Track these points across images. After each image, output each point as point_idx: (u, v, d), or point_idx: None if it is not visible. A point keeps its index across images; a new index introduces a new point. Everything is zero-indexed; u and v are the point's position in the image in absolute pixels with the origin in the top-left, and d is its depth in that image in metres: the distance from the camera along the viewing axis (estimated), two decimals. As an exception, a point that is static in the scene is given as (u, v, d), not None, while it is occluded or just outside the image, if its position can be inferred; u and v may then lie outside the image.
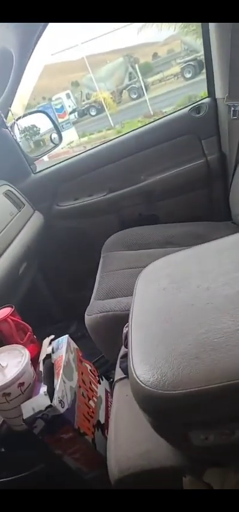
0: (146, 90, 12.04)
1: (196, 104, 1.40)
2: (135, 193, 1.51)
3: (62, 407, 0.77)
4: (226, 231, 1.27)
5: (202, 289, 0.64)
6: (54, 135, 1.75)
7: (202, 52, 1.33)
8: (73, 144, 11.00)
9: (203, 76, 1.42)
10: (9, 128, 1.51)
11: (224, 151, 1.39)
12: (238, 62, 1.17)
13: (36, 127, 2.19)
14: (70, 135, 11.66)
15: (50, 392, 0.78)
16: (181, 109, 1.45)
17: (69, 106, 13.58)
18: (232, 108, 1.23)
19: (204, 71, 1.38)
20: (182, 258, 0.80)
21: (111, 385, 1.00)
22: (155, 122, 1.50)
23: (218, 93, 1.33)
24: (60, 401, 0.77)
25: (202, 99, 1.41)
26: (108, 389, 1.04)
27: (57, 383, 0.80)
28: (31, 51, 1.24)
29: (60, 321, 1.80)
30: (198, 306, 0.61)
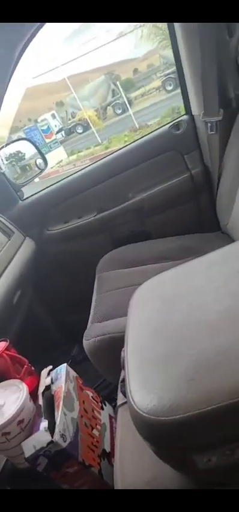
0: (130, 105, 12.25)
1: (175, 121, 1.44)
2: (124, 211, 1.53)
3: (64, 442, 0.76)
4: (216, 241, 1.28)
5: (193, 307, 0.64)
6: (40, 161, 1.77)
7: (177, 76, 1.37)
8: (62, 162, 11.09)
9: None
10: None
11: (206, 163, 1.42)
12: (210, 80, 1.20)
13: (21, 152, 2.20)
14: (59, 154, 11.76)
15: (51, 427, 0.77)
16: (160, 127, 1.48)
17: (55, 126, 13.74)
18: (209, 124, 1.26)
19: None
20: (173, 276, 0.80)
21: (115, 409, 0.99)
22: (137, 141, 1.52)
23: (195, 110, 1.35)
24: (62, 436, 0.76)
25: (180, 117, 1.44)
26: (113, 414, 1.03)
27: (58, 416, 0.79)
28: (10, 74, 1.24)
29: (61, 345, 1.79)
30: (190, 325, 0.61)
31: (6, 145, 1.62)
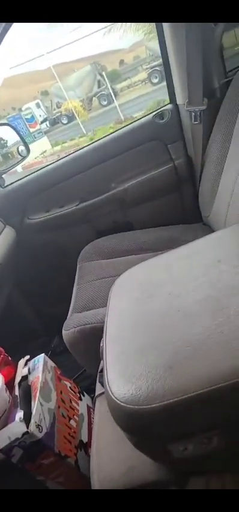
0: (116, 96, 12.15)
1: (159, 110, 1.41)
2: (107, 201, 1.51)
3: (40, 432, 0.74)
4: (198, 232, 1.28)
5: (173, 296, 0.64)
6: (22, 148, 1.72)
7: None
8: (46, 153, 10.91)
9: None
10: None
11: (190, 155, 1.41)
12: (195, 69, 1.20)
13: (4, 139, 2.13)
14: (43, 144, 11.56)
15: (27, 417, 0.75)
16: (145, 116, 1.46)
17: (40, 115, 13.48)
18: (193, 114, 1.26)
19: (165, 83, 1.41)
20: (153, 266, 0.79)
21: (93, 399, 0.98)
22: (121, 130, 1.49)
23: (179, 99, 1.34)
24: (38, 426, 0.74)
25: (164, 106, 1.42)
26: (91, 405, 1.02)
27: (34, 406, 0.78)
28: None
29: (41, 336, 1.77)
30: (170, 314, 0.60)
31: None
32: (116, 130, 1.52)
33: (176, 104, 1.38)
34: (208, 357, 0.50)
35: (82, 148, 1.54)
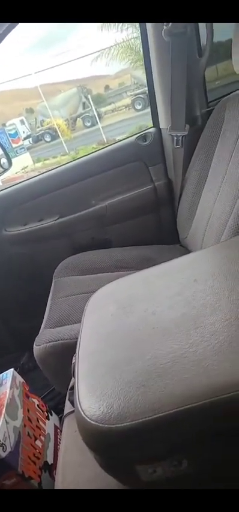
0: (100, 119, 12.43)
1: (142, 132, 1.45)
2: (86, 217, 1.50)
3: (4, 451, 0.70)
4: (174, 253, 1.30)
5: (148, 313, 0.63)
6: (4, 160, 1.70)
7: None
8: (28, 169, 10.88)
9: None
10: None
11: (170, 177, 1.45)
12: (178, 96, 1.24)
13: (-15, 151, 2.10)
14: (24, 160, 11.54)
15: (-10, 436, 0.71)
16: (128, 137, 1.49)
17: (23, 132, 13.51)
18: (175, 138, 1.30)
19: (149, 107, 1.45)
20: (129, 283, 0.79)
21: (61, 419, 0.94)
22: (104, 149, 1.52)
23: (162, 124, 1.38)
24: (2, 445, 0.70)
25: (147, 129, 1.46)
26: (58, 425, 0.98)
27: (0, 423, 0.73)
28: None
29: (10, 352, 1.70)
30: (145, 330, 0.59)
31: None
32: (99, 149, 1.54)
33: (159, 128, 1.42)
34: (181, 376, 0.49)
35: (65, 164, 1.55)
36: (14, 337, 1.69)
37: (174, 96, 1.25)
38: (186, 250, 1.33)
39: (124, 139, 1.51)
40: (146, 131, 1.45)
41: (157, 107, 1.38)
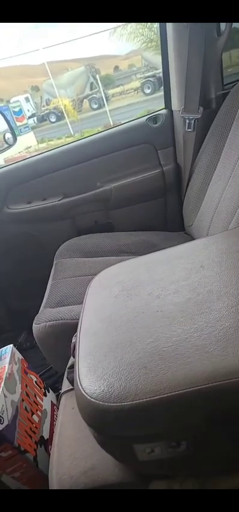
0: (107, 101, 12.18)
1: (153, 114, 1.42)
2: (90, 199, 1.48)
3: (1, 424, 0.70)
4: (179, 241, 1.29)
5: (152, 297, 0.63)
6: (8, 135, 1.67)
7: (161, 69, 1.37)
8: (31, 149, 10.75)
9: (161, 93, 1.45)
10: None
11: (179, 162, 1.42)
12: (194, 77, 1.21)
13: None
14: (28, 139, 11.39)
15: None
16: (138, 118, 1.46)
17: (28, 110, 13.30)
18: (187, 121, 1.27)
19: (162, 87, 1.41)
20: (134, 266, 0.78)
21: (58, 396, 0.95)
22: (112, 129, 1.49)
23: (175, 105, 1.35)
24: (-1, 417, 0.70)
25: (159, 110, 1.42)
26: (55, 402, 0.99)
27: (-3, 397, 0.74)
28: None
29: (8, 331, 1.70)
30: (148, 314, 0.59)
31: None
32: (107, 129, 1.50)
33: (171, 110, 1.39)
34: (184, 360, 0.49)
35: (71, 143, 1.52)
36: (11, 316, 1.69)
37: (189, 77, 1.22)
38: (191, 238, 1.31)
39: (133, 120, 1.47)
40: (157, 113, 1.41)
41: (170, 88, 1.34)
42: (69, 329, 0.94)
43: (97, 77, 12.81)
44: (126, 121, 1.47)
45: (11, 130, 1.65)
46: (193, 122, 1.26)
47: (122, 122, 1.48)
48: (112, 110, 11.55)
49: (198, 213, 1.22)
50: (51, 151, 1.54)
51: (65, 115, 11.99)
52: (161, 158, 1.43)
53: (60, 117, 12.82)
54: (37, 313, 1.08)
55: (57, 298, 1.12)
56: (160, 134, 1.41)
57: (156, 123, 1.41)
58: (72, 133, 10.87)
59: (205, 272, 0.63)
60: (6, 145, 1.66)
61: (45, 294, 1.18)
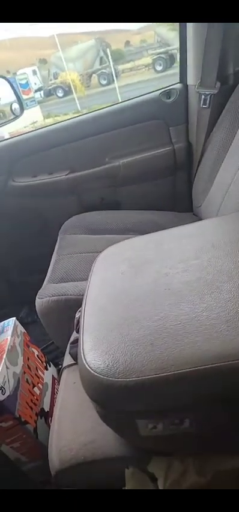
0: (117, 77, 11.88)
1: (167, 88, 1.36)
2: (98, 175, 1.45)
3: (3, 394, 0.70)
4: (186, 221, 1.26)
5: (160, 274, 0.61)
6: (16, 106, 1.62)
7: (175, 46, 1.31)
8: (37, 124, 10.59)
9: (173, 70, 1.39)
10: None
11: (191, 141, 1.38)
12: (212, 50, 1.15)
13: (-5, 96, 2.01)
14: (34, 114, 11.21)
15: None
16: (151, 92, 1.41)
17: (35, 83, 13.04)
18: (203, 96, 1.22)
19: (175, 65, 1.36)
20: (141, 243, 0.77)
21: (59, 371, 0.95)
22: (123, 103, 1.43)
23: (190, 80, 1.30)
24: (1, 388, 0.70)
25: (173, 84, 1.37)
26: (56, 376, 0.99)
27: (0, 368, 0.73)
28: None
29: (8, 305, 1.69)
30: (156, 291, 0.58)
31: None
32: (118, 103, 1.45)
33: (186, 85, 1.33)
34: (192, 338, 0.47)
35: (79, 116, 1.48)
36: (13, 290, 1.68)
37: (207, 50, 1.16)
38: (199, 220, 1.29)
39: (146, 93, 1.41)
40: (171, 87, 1.36)
41: (186, 60, 1.28)
42: (73, 305, 0.93)
43: (107, 51, 12.42)
44: (138, 95, 1.41)
45: (19, 100, 1.60)
46: (208, 97, 1.21)
47: (135, 96, 1.42)
48: (121, 86, 11.29)
49: (208, 194, 1.19)
50: (59, 124, 1.50)
51: (73, 90, 11.74)
52: (172, 135, 1.38)
53: (67, 92, 12.57)
54: (39, 288, 1.07)
55: (61, 273, 1.11)
56: (173, 110, 1.36)
57: (170, 98, 1.35)
58: (79, 109, 10.68)
59: (215, 252, 0.61)
60: (12, 116, 1.62)
61: (49, 269, 1.17)
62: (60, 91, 13.09)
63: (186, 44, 1.25)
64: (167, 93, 1.35)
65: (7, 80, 1.61)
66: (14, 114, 1.61)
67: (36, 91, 12.89)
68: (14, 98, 1.63)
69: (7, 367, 0.76)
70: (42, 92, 13.47)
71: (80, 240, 1.28)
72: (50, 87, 13.43)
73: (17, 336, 0.87)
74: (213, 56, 1.16)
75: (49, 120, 10.69)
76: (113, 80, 11.45)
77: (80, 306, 0.67)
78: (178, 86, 1.35)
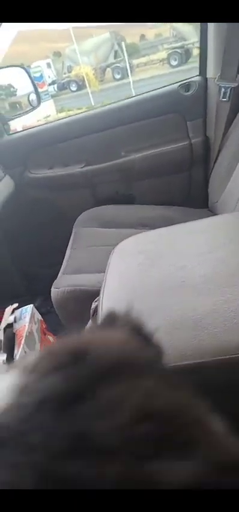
0: (131, 71, 11.78)
1: (186, 80, 1.35)
2: (113, 169, 1.46)
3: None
4: (201, 218, 1.26)
5: (177, 267, 0.62)
6: (33, 97, 1.64)
7: (191, 40, 1.30)
8: (50, 118, 10.61)
9: (189, 65, 1.38)
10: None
11: (208, 135, 1.37)
12: (234, 41, 1.14)
13: (13, 87, 2.03)
14: (47, 107, 11.23)
15: (10, 362, 0.73)
16: (169, 85, 1.40)
17: (49, 76, 13.03)
18: (223, 89, 1.21)
19: (190, 60, 1.35)
20: (158, 236, 0.78)
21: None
22: (140, 96, 1.44)
23: (210, 72, 1.29)
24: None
25: (192, 77, 1.36)
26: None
27: (18, 353, 0.76)
28: None
29: (22, 296, 1.72)
30: (173, 283, 0.59)
31: (0, 68, 1.48)
32: (135, 96, 1.45)
33: (206, 78, 1.32)
34: (212, 330, 0.48)
35: (96, 109, 1.48)
36: (27, 281, 1.70)
37: (229, 42, 1.15)
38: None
39: (164, 86, 1.41)
40: (190, 80, 1.35)
41: (207, 53, 1.27)
42: (88, 296, 0.95)
43: (122, 44, 12.31)
44: (156, 88, 1.41)
45: (36, 91, 1.62)
46: (228, 90, 1.20)
47: (153, 89, 1.41)
48: (136, 81, 11.19)
49: (225, 189, 1.19)
50: (76, 116, 1.51)
51: (87, 84, 11.71)
52: (190, 129, 1.38)
53: (81, 86, 12.53)
54: (53, 279, 1.09)
55: (76, 265, 1.12)
56: (191, 103, 1.35)
57: (188, 90, 1.35)
58: (92, 103, 10.65)
59: (233, 246, 0.61)
60: (29, 108, 1.64)
61: (64, 260, 1.19)
62: (73, 85, 13.06)
63: (207, 36, 1.24)
64: (186, 86, 1.34)
65: (26, 70, 1.63)
66: (31, 105, 1.63)
67: (49, 84, 12.89)
68: (30, 89, 1.64)
69: (25, 352, 0.78)
70: (55, 86, 13.47)
71: (94, 233, 1.30)
72: (63, 81, 13.41)
73: (34, 323, 0.89)
74: (234, 48, 1.15)
75: (62, 115, 10.70)
76: (127, 75, 11.36)
77: (95, 297, 0.68)
78: (197, 78, 1.34)
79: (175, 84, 1.36)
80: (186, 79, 1.36)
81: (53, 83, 13.34)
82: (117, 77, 12.46)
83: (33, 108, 1.61)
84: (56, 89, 13.40)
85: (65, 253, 1.23)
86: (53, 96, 12.42)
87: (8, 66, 1.57)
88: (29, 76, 1.56)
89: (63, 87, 13.48)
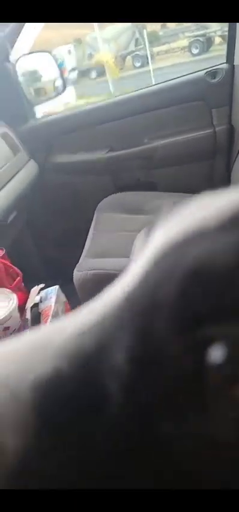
0: (151, 59, 11.57)
1: (213, 68, 1.34)
2: (136, 155, 1.47)
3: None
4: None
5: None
6: (59, 83, 1.65)
7: (213, 28, 1.28)
8: (70, 105, 10.59)
9: (210, 54, 1.37)
10: (13, 63, 1.40)
11: (233, 124, 1.35)
12: None
13: (38, 73, 2.05)
14: (68, 94, 11.19)
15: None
16: (196, 72, 1.38)
17: (69, 63, 12.98)
18: None
19: (211, 48, 1.33)
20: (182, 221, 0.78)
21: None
22: (165, 83, 1.43)
23: (238, 60, 1.27)
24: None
25: (219, 64, 1.34)
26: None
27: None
28: None
29: (43, 280, 1.75)
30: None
31: (29, 53, 1.50)
32: (159, 83, 1.44)
33: (233, 65, 1.30)
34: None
35: (120, 96, 1.49)
36: (48, 264, 1.74)
37: None
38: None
39: (190, 73, 1.40)
40: (217, 67, 1.33)
41: (235, 39, 1.25)
42: (111, 280, 0.96)
43: (144, 32, 12.08)
44: (182, 75, 1.39)
45: (62, 77, 1.63)
46: None
47: (178, 76, 1.40)
48: (156, 69, 10.96)
49: None
50: (99, 103, 1.52)
51: (107, 72, 11.60)
52: (214, 117, 1.36)
53: (101, 73, 12.43)
54: (74, 263, 1.11)
55: (98, 249, 1.14)
56: (217, 91, 1.33)
57: (215, 78, 1.33)
58: (112, 91, 10.56)
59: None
60: (54, 94, 1.65)
61: (86, 244, 1.21)
62: (93, 72, 12.96)
63: (235, 23, 1.22)
64: (213, 73, 1.33)
65: (52, 55, 1.64)
66: (56, 91, 1.64)
67: (70, 71, 12.85)
68: (54, 75, 1.65)
69: (51, 332, 0.81)
70: (76, 72, 13.41)
71: (115, 219, 1.31)
72: (84, 68, 13.33)
73: (60, 304, 0.92)
74: None
75: (81, 102, 10.66)
76: (148, 63, 11.16)
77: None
78: (224, 66, 1.32)
79: (200, 72, 1.35)
80: (212, 66, 1.34)
81: (73, 69, 13.29)
82: (137, 64, 12.25)
83: (58, 94, 1.62)
84: (76, 75, 13.35)
85: (86, 237, 1.25)
86: (73, 83, 12.37)
87: (36, 52, 1.59)
88: (56, 61, 1.57)
89: (83, 74, 13.41)
